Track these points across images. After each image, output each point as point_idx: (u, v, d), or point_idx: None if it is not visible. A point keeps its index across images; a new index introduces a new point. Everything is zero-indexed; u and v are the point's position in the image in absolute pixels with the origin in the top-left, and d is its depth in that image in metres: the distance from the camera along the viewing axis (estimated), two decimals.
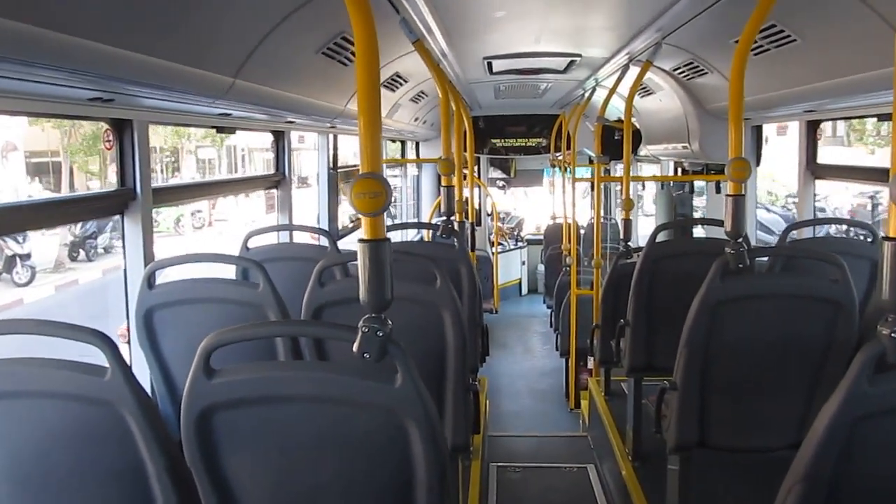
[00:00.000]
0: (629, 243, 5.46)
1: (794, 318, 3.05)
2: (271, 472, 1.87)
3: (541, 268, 13.37)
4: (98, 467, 1.93)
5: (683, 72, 5.59)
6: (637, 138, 8.56)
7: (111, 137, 3.24)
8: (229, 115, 3.83)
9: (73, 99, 2.72)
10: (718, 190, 6.89)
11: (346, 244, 5.95)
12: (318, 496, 1.86)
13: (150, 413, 1.86)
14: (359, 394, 1.77)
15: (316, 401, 1.79)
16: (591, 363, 7.49)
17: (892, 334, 1.76)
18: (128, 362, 3.35)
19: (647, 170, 11.06)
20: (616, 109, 8.06)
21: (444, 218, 4.64)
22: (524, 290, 14.63)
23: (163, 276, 3.13)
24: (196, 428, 1.81)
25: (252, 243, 4.13)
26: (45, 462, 1.90)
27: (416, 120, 8.65)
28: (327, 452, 1.84)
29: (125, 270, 3.43)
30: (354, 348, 1.78)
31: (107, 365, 1.85)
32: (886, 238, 1.80)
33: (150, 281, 3.02)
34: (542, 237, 13.54)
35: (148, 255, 3.37)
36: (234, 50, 3.05)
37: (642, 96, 7.28)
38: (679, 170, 8.41)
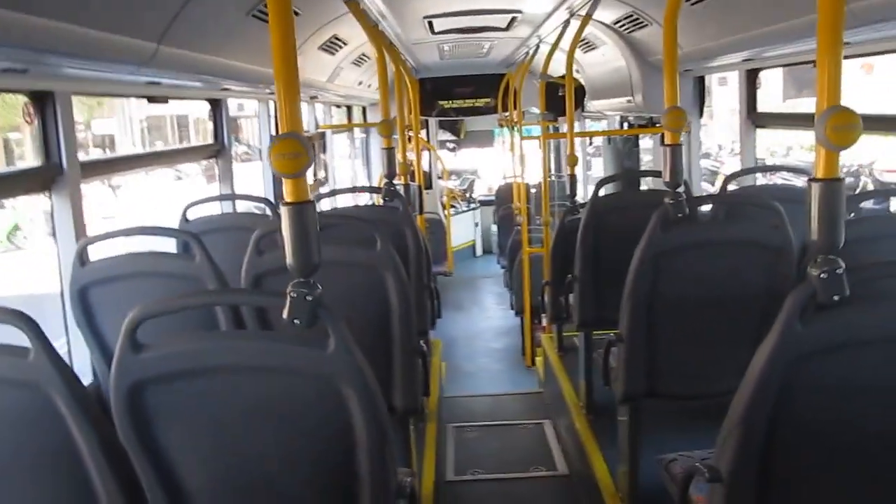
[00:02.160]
0: (576, 199, 5.46)
1: (736, 265, 3.07)
2: (207, 444, 1.82)
3: (494, 228, 13.38)
4: (30, 451, 1.86)
5: (624, 25, 5.57)
6: (581, 94, 8.55)
7: (31, 111, 3.09)
8: (159, 83, 3.69)
9: None
10: (663, 142, 6.92)
11: None
12: (258, 466, 1.83)
13: (78, 391, 1.79)
14: (292, 361, 1.73)
15: (249, 370, 1.75)
16: (545, 320, 7.56)
17: (822, 275, 1.77)
18: (65, 343, 3.24)
19: (595, 126, 11.08)
20: (561, 66, 8.04)
21: (387, 181, 4.57)
22: (478, 251, 14.65)
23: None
24: (127, 404, 1.75)
25: (192, 215, 4.02)
26: None
27: (360, 84, 8.49)
28: (264, 421, 1.80)
29: (57, 249, 3.31)
30: (284, 314, 1.74)
31: (29, 346, 1.77)
32: (812, 179, 1.80)
33: (82, 258, 2.92)
34: (493, 198, 13.54)
35: (79, 232, 3.26)
36: (157, 14, 2.91)
37: (585, 51, 7.25)
38: (625, 124, 8.44)
